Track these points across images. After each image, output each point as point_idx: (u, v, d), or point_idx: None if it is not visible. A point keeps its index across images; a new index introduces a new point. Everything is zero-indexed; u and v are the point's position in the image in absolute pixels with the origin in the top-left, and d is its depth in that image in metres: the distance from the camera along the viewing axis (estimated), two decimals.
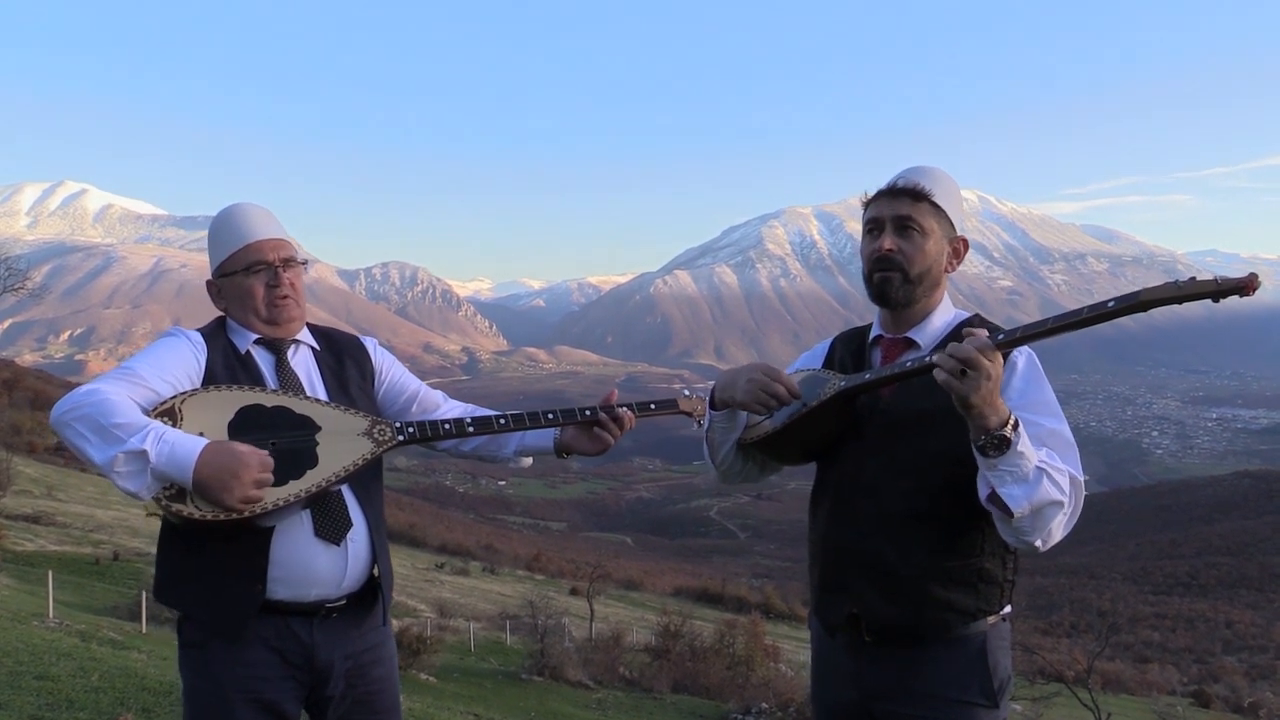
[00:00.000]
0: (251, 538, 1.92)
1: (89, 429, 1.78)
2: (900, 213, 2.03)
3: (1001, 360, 1.70)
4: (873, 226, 2.08)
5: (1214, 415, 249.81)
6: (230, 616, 1.95)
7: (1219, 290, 1.55)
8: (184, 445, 1.79)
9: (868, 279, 2.09)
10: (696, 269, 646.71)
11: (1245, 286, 1.54)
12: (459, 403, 2.44)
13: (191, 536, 1.93)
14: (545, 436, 2.33)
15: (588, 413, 2.27)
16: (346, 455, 1.99)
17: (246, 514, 1.84)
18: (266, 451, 1.87)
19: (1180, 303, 1.60)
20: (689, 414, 2.34)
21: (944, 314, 2.10)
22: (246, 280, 2.10)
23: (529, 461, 2.43)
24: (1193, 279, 1.58)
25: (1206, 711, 26.97)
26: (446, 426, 2.18)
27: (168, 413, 1.89)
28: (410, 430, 2.12)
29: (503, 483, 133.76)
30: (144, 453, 1.75)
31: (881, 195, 2.07)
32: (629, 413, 2.30)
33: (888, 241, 2.02)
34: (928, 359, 1.84)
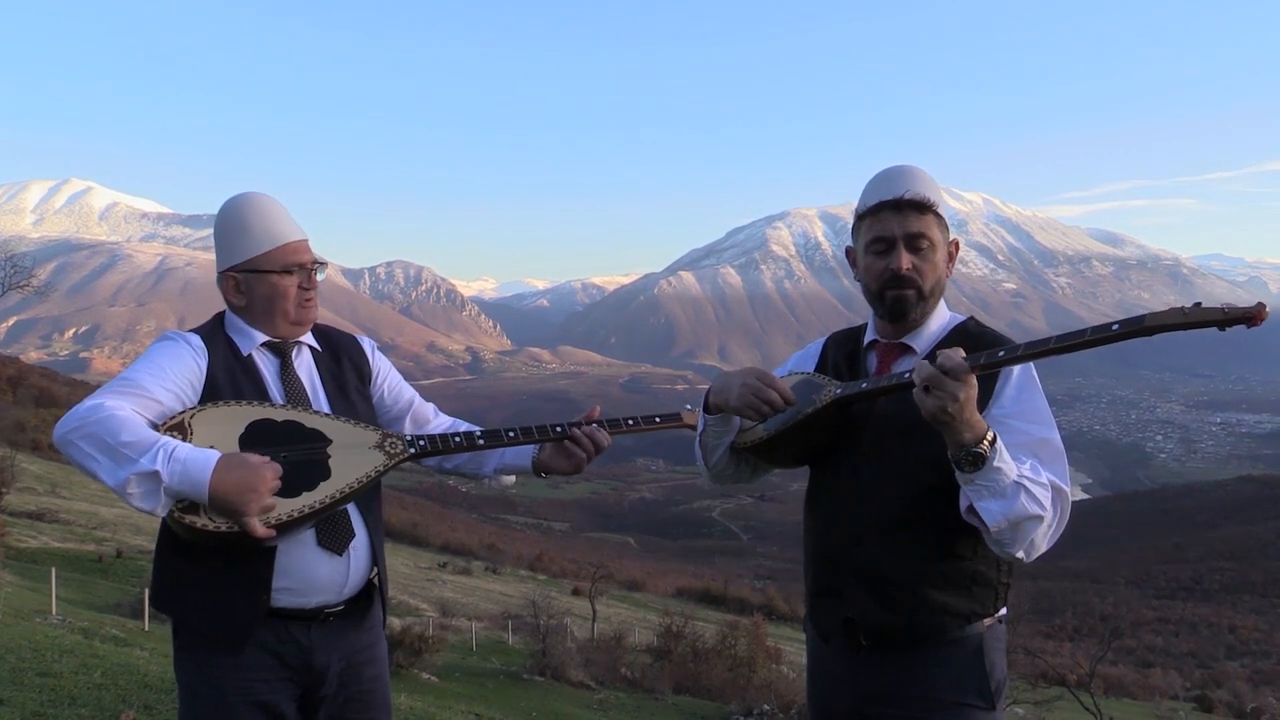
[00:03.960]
0: (257, 549, 1.89)
1: (96, 449, 1.73)
2: (912, 230, 1.95)
3: (975, 382, 1.68)
4: (881, 246, 1.98)
5: (1218, 420, 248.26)
6: (234, 627, 1.93)
7: (1225, 319, 1.53)
8: (196, 462, 1.75)
9: (878, 297, 2.02)
10: (701, 270, 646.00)
11: (1252, 317, 1.51)
12: (448, 417, 2.43)
13: (195, 545, 1.88)
14: (524, 455, 2.32)
15: (559, 429, 2.25)
16: (359, 467, 1.97)
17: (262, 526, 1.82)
18: (278, 462, 1.85)
19: (1185, 329, 1.57)
20: (692, 428, 2.31)
21: (939, 318, 2.07)
22: (281, 281, 2.05)
23: (511, 480, 2.40)
24: (1198, 305, 1.55)
25: (1209, 716, 26.87)
26: (458, 439, 2.16)
27: (177, 427, 1.86)
28: (422, 443, 2.10)
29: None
30: (156, 474, 1.71)
31: (885, 209, 1.97)
32: (601, 431, 2.26)
33: (905, 261, 1.95)
34: (908, 375, 1.83)
